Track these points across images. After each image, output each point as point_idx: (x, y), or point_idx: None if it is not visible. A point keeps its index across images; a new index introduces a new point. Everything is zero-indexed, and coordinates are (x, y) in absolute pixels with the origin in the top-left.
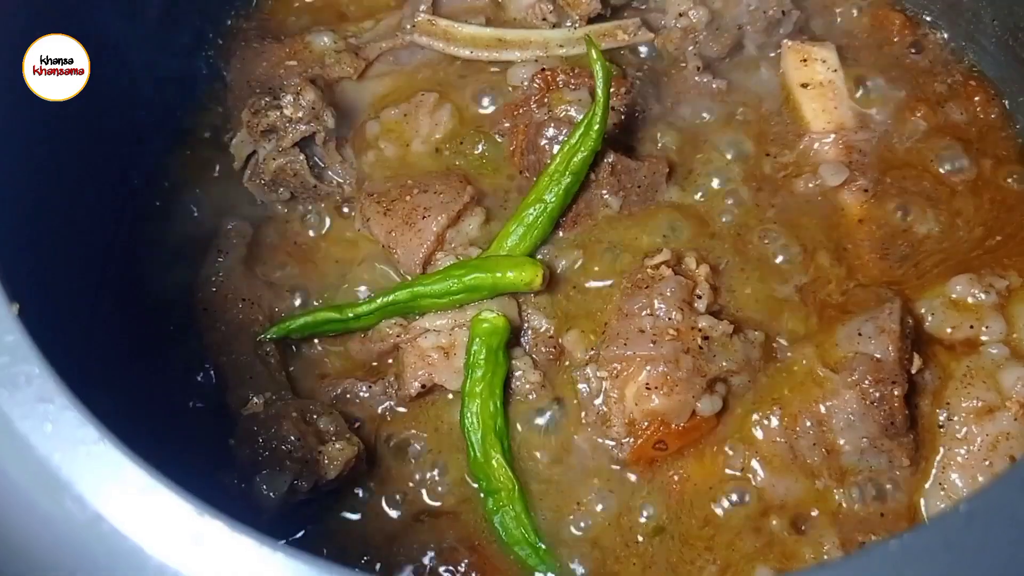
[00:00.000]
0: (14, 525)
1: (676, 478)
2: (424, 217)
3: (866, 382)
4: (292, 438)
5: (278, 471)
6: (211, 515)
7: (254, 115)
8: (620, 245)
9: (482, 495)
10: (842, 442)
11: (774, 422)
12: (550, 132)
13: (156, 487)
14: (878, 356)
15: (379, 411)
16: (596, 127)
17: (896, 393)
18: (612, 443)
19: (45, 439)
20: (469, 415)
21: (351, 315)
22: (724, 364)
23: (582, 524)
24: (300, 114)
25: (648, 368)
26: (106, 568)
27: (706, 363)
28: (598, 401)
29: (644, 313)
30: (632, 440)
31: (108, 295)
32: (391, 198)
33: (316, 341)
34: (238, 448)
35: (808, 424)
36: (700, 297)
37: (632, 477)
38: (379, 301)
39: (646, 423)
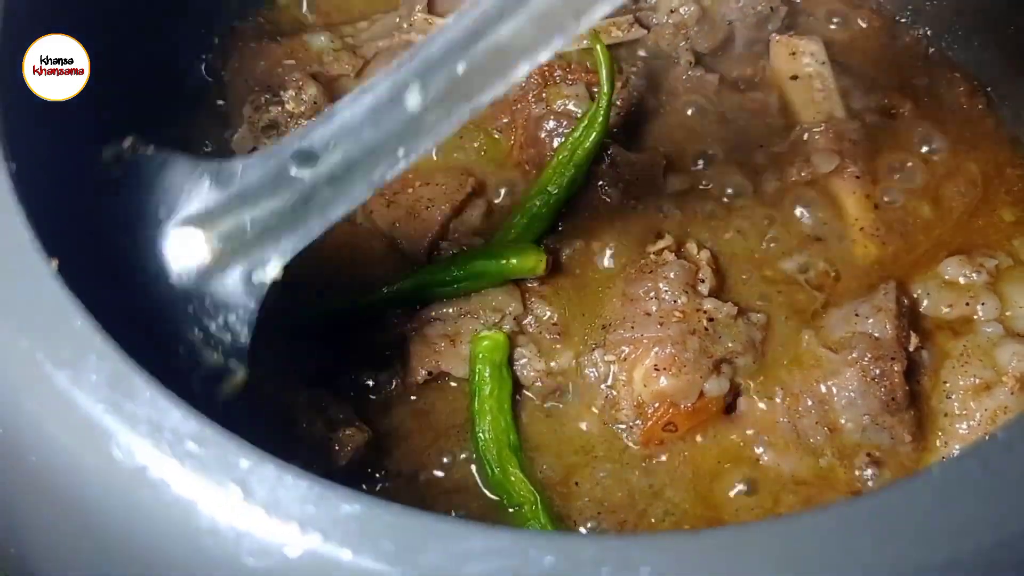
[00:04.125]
0: (61, 479)
1: (686, 459)
2: (428, 207)
3: (866, 359)
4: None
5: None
6: (260, 458)
7: (256, 111)
8: (621, 234)
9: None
10: (844, 420)
11: (776, 403)
12: (550, 125)
13: (203, 432)
14: (876, 334)
15: (386, 399)
16: (600, 119)
17: (896, 369)
18: (622, 427)
19: (88, 390)
20: (482, 434)
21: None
22: (729, 345)
23: (593, 507)
24: (302, 109)
25: (656, 350)
26: (157, 518)
27: (712, 344)
28: (606, 385)
29: (649, 296)
30: (642, 423)
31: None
32: (393, 190)
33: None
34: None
35: (810, 403)
36: (703, 281)
37: (642, 460)
38: (385, 291)
39: (655, 405)
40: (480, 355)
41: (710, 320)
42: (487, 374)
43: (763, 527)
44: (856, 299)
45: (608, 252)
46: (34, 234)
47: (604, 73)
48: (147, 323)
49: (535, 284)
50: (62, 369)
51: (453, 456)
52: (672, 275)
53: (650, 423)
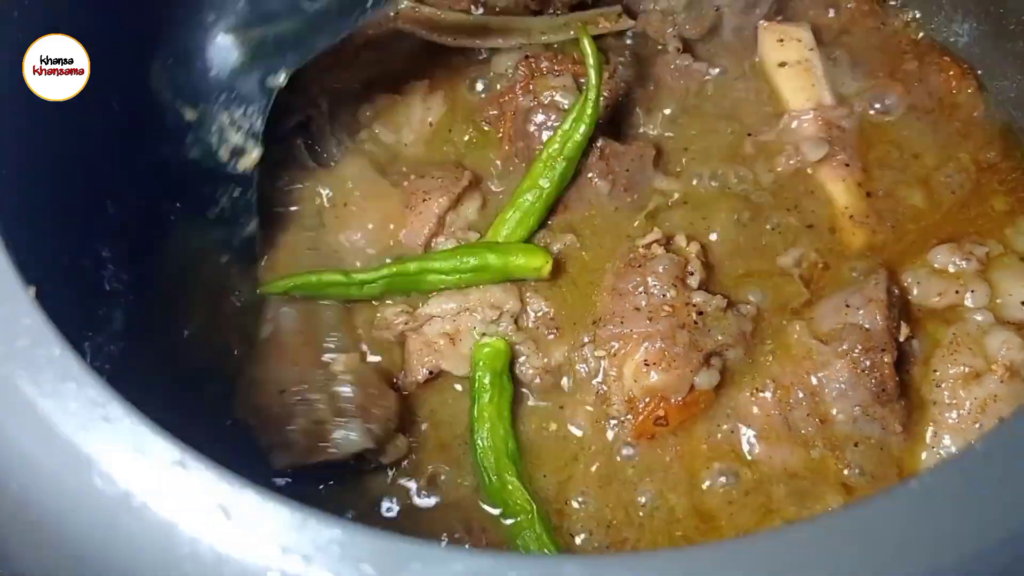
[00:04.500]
0: (43, 505)
1: (677, 453)
2: (425, 200)
3: (856, 351)
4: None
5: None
6: (241, 485)
7: None
8: (611, 227)
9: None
10: (835, 412)
11: (768, 395)
12: (539, 118)
13: (184, 459)
14: (866, 326)
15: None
16: (589, 111)
17: (886, 360)
18: (613, 421)
19: (69, 418)
20: (480, 441)
21: (357, 280)
22: (719, 338)
23: (587, 512)
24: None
25: (645, 345)
26: (139, 543)
27: (702, 338)
28: (597, 380)
29: (639, 291)
30: (632, 418)
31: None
32: (390, 183)
33: None
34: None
35: (801, 395)
36: (692, 274)
37: (634, 454)
38: (385, 271)
39: (646, 399)
40: (481, 362)
41: (699, 314)
42: (487, 381)
43: (746, 542)
44: (846, 288)
45: (598, 246)
46: (12, 260)
47: (591, 64)
48: (191, 104)
49: (533, 282)
50: (43, 397)
51: (452, 460)
52: (661, 269)
53: (641, 417)
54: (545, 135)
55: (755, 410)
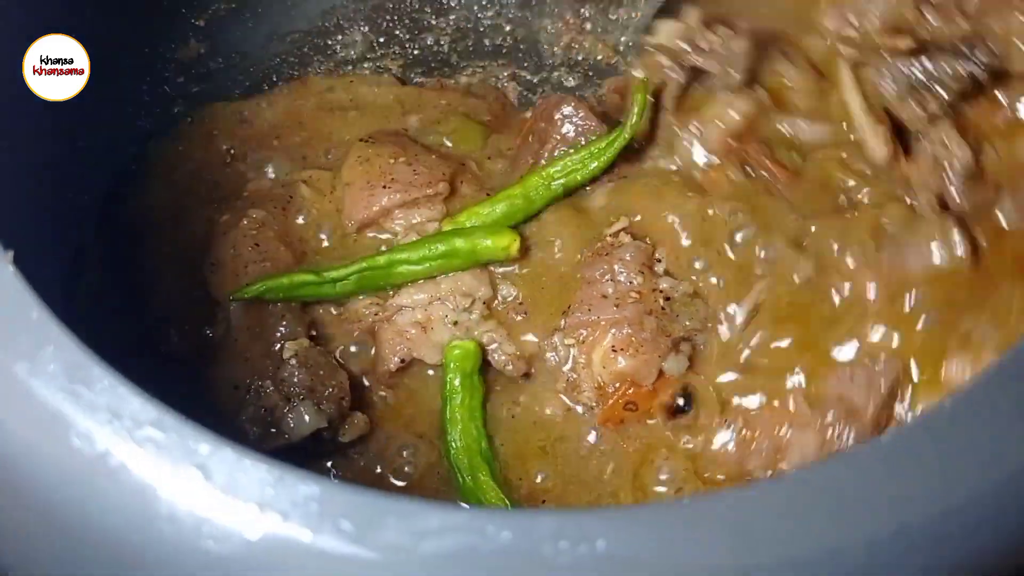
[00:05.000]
0: (20, 467)
1: (644, 439)
2: (385, 187)
3: (835, 431)
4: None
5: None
6: (218, 443)
7: None
8: (586, 218)
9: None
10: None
11: (732, 433)
12: (567, 110)
13: (162, 419)
14: (857, 403)
15: (360, 389)
16: (607, 155)
17: None
18: (582, 408)
19: (47, 380)
20: (453, 443)
21: (329, 278)
22: (687, 323)
23: (556, 494)
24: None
25: (613, 331)
26: (117, 504)
27: (669, 323)
28: (567, 368)
29: (606, 279)
30: (602, 404)
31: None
32: (378, 152)
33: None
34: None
35: (765, 446)
36: (659, 260)
37: (603, 439)
38: (355, 266)
39: (615, 385)
40: (452, 364)
41: (667, 299)
42: (458, 383)
43: (719, 498)
44: (853, 363)
45: (572, 236)
46: None
47: (636, 112)
48: None
49: (503, 267)
50: (20, 360)
51: (426, 453)
52: (628, 256)
53: (611, 403)
54: (567, 128)
55: (716, 445)
